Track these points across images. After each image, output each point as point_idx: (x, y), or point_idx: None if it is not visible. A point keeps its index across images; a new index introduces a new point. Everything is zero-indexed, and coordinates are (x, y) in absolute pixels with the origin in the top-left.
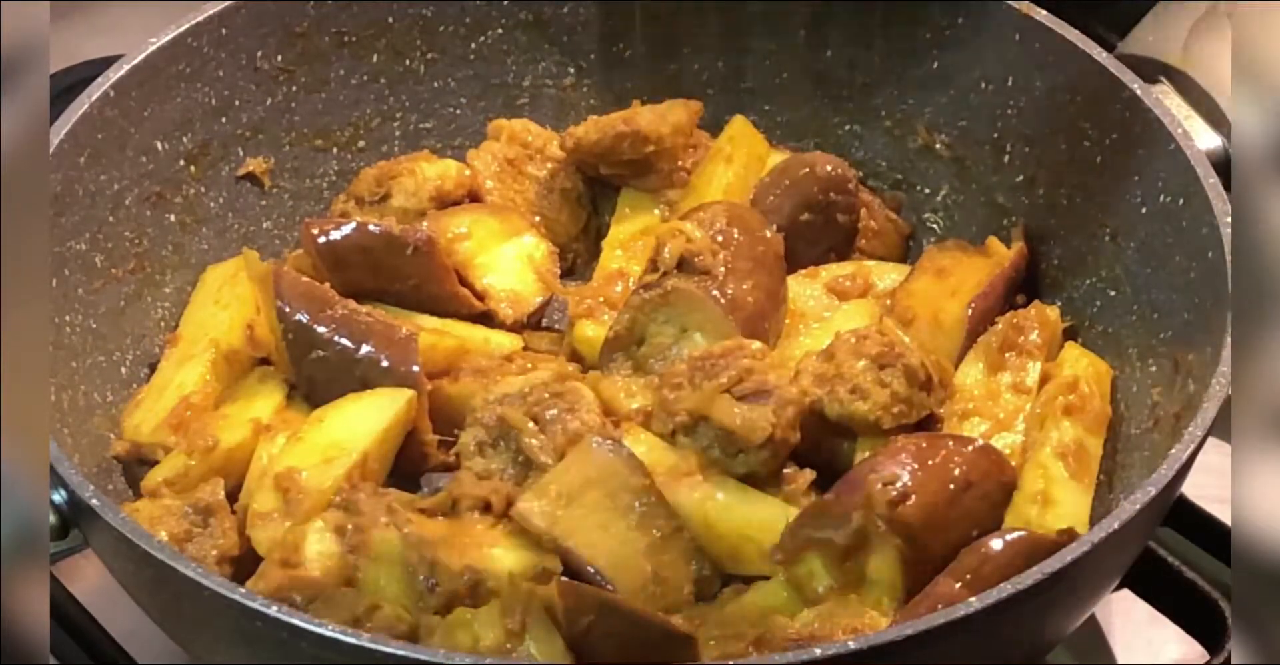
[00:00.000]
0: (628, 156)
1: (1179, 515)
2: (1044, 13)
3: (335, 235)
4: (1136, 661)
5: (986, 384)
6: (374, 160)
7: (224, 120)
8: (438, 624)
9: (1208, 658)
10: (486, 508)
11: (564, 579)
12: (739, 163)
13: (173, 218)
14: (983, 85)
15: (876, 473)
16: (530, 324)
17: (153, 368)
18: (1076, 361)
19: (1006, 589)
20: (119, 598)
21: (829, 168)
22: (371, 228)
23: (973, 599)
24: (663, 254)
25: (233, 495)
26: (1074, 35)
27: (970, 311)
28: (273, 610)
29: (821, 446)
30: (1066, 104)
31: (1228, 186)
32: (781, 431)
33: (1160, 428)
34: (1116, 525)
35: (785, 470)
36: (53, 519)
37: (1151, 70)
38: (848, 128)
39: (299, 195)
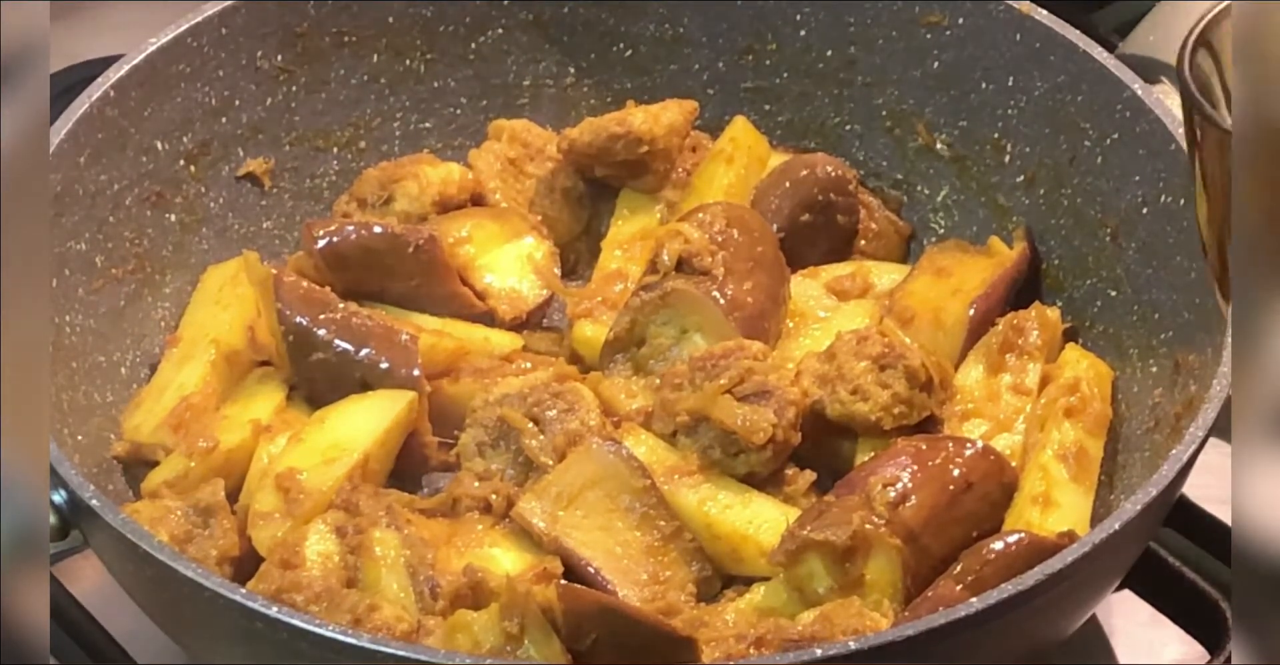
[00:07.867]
0: (622, 157)
1: (1180, 515)
2: (1044, 13)
3: (337, 236)
4: (1137, 662)
5: (987, 385)
6: (375, 161)
7: (224, 120)
8: (438, 625)
9: (1208, 658)
10: (486, 508)
11: (564, 582)
12: (740, 164)
13: (173, 218)
14: (983, 85)
15: (877, 474)
16: (530, 324)
17: (153, 368)
18: (1077, 363)
19: (1007, 590)
20: (119, 598)
21: (829, 169)
22: (375, 228)
23: (974, 600)
24: (661, 256)
25: (233, 496)
26: (1074, 35)
27: (973, 312)
28: (273, 611)
29: (822, 447)
30: (1066, 104)
31: None
32: (782, 432)
33: (1161, 428)
34: (1117, 526)
35: (786, 471)
36: (53, 519)
37: (1152, 70)
38: (848, 128)
39: (299, 195)
